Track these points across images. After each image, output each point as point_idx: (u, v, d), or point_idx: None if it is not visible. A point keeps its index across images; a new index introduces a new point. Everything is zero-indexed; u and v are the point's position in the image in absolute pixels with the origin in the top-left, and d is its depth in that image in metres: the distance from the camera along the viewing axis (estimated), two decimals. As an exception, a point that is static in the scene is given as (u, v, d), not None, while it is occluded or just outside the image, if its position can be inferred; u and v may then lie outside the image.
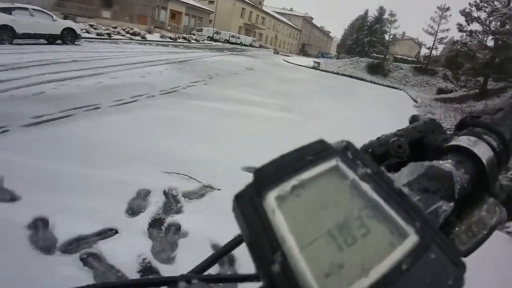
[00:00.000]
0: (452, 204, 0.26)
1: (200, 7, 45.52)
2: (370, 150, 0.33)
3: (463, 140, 0.32)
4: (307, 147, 0.23)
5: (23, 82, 6.11)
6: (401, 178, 0.28)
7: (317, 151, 0.22)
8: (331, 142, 0.23)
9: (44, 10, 13.73)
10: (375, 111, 10.22)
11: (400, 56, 38.37)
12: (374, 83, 23.24)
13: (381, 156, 0.32)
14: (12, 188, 2.61)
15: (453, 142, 0.32)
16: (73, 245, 2.16)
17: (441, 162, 0.29)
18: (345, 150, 0.23)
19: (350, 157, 0.22)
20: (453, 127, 0.38)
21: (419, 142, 0.35)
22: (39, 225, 2.27)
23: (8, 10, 11.95)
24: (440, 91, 21.50)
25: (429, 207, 0.25)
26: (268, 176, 0.21)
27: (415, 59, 35.22)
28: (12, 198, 2.51)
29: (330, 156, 0.22)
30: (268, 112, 7.01)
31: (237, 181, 3.31)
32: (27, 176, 2.81)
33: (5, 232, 2.14)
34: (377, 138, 0.34)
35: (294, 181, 0.20)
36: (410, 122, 0.43)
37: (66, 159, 3.27)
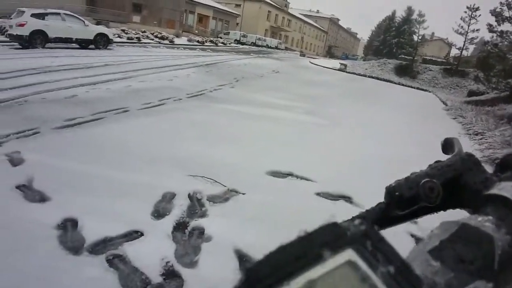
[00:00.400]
0: (491, 285, 0.21)
1: (227, 11, 45.99)
2: (397, 193, 0.29)
3: (506, 189, 0.27)
4: (313, 234, 0.18)
5: (55, 85, 6.36)
6: (432, 240, 0.23)
7: (326, 241, 0.17)
8: (345, 224, 0.18)
9: (76, 15, 14.29)
10: (403, 115, 9.93)
11: (429, 57, 37.20)
12: (402, 85, 22.63)
13: (410, 200, 0.29)
14: (42, 189, 2.70)
15: (495, 191, 0.28)
16: (99, 246, 2.20)
17: (479, 219, 0.25)
18: (364, 239, 0.18)
19: (369, 249, 0.17)
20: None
21: (454, 182, 0.30)
22: (68, 226, 2.33)
23: (41, 16, 12.54)
24: (471, 93, 20.62)
25: (464, 286, 0.21)
26: (260, 278, 0.16)
27: (444, 60, 34.12)
28: (42, 199, 2.59)
29: (343, 247, 0.17)
30: (293, 115, 6.95)
31: (261, 186, 3.30)
32: (57, 178, 2.90)
33: (35, 232, 2.20)
34: (406, 178, 0.30)
35: (294, 286, 0.16)
36: (443, 146, 0.38)
37: (96, 161, 3.36)
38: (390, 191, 0.30)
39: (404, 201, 0.29)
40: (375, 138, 6.10)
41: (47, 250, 2.10)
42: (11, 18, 12.80)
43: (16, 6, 14.53)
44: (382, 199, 0.33)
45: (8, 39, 12.56)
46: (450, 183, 0.30)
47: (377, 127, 7.20)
